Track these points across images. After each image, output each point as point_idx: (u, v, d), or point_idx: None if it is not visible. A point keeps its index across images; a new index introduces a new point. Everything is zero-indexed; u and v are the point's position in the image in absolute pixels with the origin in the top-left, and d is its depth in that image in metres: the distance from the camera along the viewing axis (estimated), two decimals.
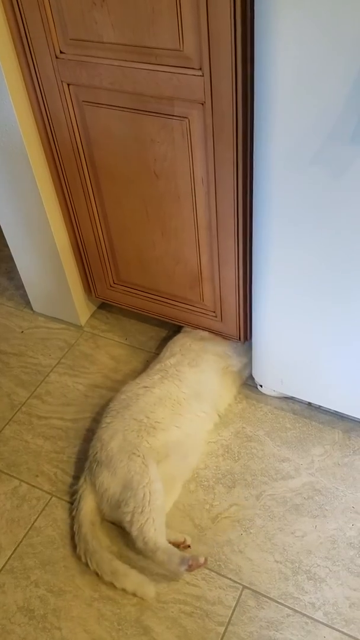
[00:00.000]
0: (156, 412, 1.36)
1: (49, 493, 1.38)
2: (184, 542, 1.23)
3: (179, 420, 1.38)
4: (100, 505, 1.28)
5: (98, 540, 1.24)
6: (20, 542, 1.30)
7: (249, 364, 1.52)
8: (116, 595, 1.20)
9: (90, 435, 1.48)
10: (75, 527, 1.27)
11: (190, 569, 1.16)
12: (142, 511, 1.20)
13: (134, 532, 1.20)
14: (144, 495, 1.21)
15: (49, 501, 1.36)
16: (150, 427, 1.33)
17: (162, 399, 1.39)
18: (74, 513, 1.29)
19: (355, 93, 0.87)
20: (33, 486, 1.39)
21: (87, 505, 1.28)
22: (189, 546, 1.24)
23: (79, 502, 1.29)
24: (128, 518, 1.20)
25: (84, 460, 1.43)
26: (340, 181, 0.98)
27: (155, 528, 1.19)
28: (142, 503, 1.20)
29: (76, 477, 1.40)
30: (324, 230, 1.07)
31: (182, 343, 1.54)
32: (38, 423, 1.53)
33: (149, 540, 1.18)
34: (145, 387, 1.42)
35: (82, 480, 1.32)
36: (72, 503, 1.34)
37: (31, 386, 1.62)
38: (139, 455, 1.26)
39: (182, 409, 1.39)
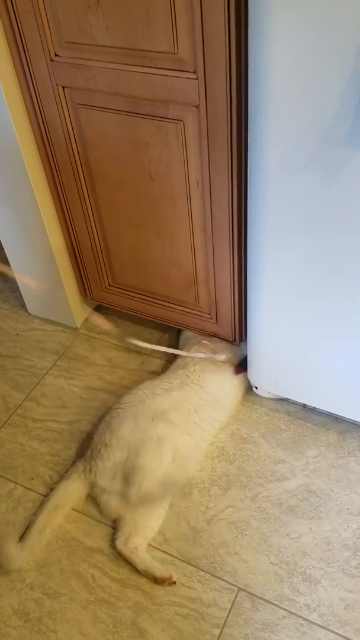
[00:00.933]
0: (170, 414, 1.37)
1: (44, 496, 1.37)
2: (170, 577, 1.20)
3: (192, 428, 1.38)
4: (108, 485, 1.29)
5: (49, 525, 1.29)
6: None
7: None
8: (112, 597, 1.20)
9: (86, 437, 1.48)
10: (47, 498, 1.31)
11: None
12: (151, 477, 1.26)
13: (134, 484, 1.25)
14: (155, 465, 1.27)
15: None
16: (163, 420, 1.35)
17: (179, 404, 1.39)
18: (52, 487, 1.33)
19: (348, 97, 0.87)
20: (28, 489, 1.39)
21: (71, 487, 1.32)
22: (174, 582, 1.20)
23: (65, 479, 1.33)
24: (136, 484, 1.25)
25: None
26: (333, 184, 0.98)
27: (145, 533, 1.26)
28: (151, 470, 1.26)
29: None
30: (318, 233, 1.07)
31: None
32: (33, 426, 1.53)
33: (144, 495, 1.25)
34: (164, 389, 1.43)
35: (78, 464, 1.35)
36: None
37: (26, 389, 1.62)
38: (151, 437, 1.30)
39: (198, 416, 1.40)
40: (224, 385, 1.46)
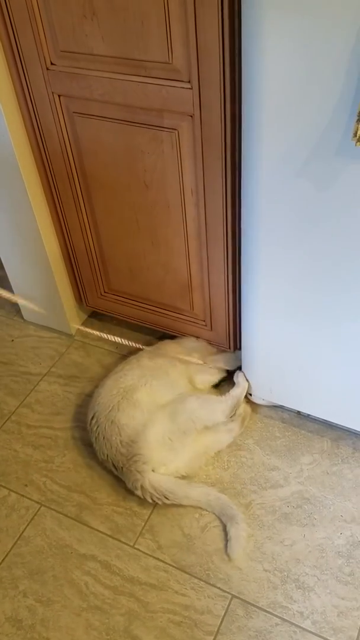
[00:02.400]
0: (126, 380, 1.43)
1: (38, 502, 1.37)
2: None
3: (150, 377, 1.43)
4: (166, 459, 1.31)
5: (212, 489, 1.33)
6: (9, 551, 1.30)
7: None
8: (105, 605, 1.20)
9: (80, 443, 1.48)
10: (188, 502, 1.31)
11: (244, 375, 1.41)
12: (202, 407, 1.36)
13: (215, 419, 1.36)
14: (188, 402, 1.36)
15: (38, 510, 1.36)
16: (128, 390, 1.39)
17: (124, 374, 1.45)
18: (176, 502, 1.30)
19: (340, 108, 0.88)
20: (22, 495, 1.39)
21: (166, 481, 1.30)
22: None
23: (159, 490, 1.29)
24: (203, 419, 1.35)
25: (74, 469, 1.43)
26: (326, 193, 0.99)
27: (217, 400, 1.40)
28: (195, 406, 1.35)
29: (66, 487, 1.40)
30: (311, 241, 1.08)
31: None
32: (27, 432, 1.53)
33: (226, 404, 1.40)
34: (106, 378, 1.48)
35: (134, 476, 1.30)
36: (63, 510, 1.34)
37: (21, 395, 1.62)
38: (138, 399, 1.36)
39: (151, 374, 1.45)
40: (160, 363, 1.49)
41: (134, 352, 1.69)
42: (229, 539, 1.25)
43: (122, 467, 1.32)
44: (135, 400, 1.36)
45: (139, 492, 1.29)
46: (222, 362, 1.53)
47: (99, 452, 1.37)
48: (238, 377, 1.45)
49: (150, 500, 1.30)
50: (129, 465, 1.30)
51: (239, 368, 1.47)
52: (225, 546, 1.25)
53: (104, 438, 1.35)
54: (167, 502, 1.29)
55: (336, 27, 0.82)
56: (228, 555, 1.24)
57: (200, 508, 1.32)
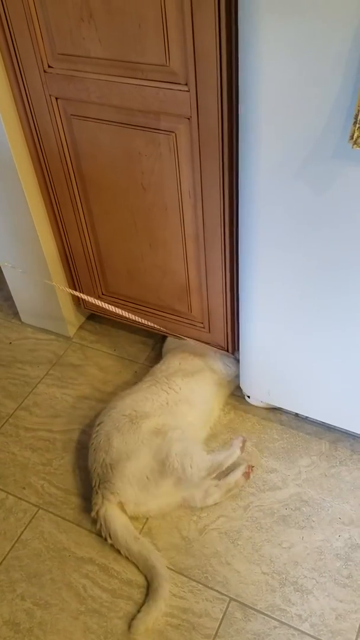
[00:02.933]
0: (144, 407, 1.38)
1: (35, 505, 1.37)
2: (247, 467, 1.36)
3: (171, 410, 1.39)
4: (137, 498, 1.27)
5: (155, 554, 1.23)
6: (7, 554, 1.29)
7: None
8: (103, 608, 1.20)
9: (78, 446, 1.48)
10: (124, 552, 1.25)
11: (242, 444, 1.35)
12: (184, 454, 1.27)
13: (189, 473, 1.26)
14: (175, 443, 1.28)
15: (35, 513, 1.36)
16: (141, 416, 1.34)
17: (148, 398, 1.40)
18: (109, 541, 1.26)
19: (337, 110, 0.88)
20: (20, 498, 1.39)
21: (118, 523, 1.25)
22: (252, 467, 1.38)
23: (107, 526, 1.25)
24: (179, 467, 1.26)
25: (72, 472, 1.43)
26: (323, 195, 0.99)
27: (201, 454, 1.30)
28: (178, 450, 1.27)
29: (64, 490, 1.39)
30: (309, 243, 1.08)
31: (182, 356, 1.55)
32: (25, 435, 1.52)
33: (205, 464, 1.28)
34: (131, 391, 1.44)
35: (97, 499, 1.28)
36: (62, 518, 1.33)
37: (19, 397, 1.62)
38: (141, 430, 1.31)
39: (173, 407, 1.40)
40: (193, 388, 1.45)
41: (133, 354, 1.69)
42: (140, 610, 1.17)
43: (95, 485, 1.31)
44: (138, 428, 1.32)
45: (93, 515, 1.28)
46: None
47: (89, 460, 1.36)
48: (233, 444, 1.35)
49: (97, 528, 1.28)
50: (98, 488, 1.29)
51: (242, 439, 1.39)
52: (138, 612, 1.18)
53: (95, 450, 1.34)
54: (109, 541, 1.25)
55: (333, 30, 0.82)
56: (129, 625, 1.16)
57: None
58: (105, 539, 1.26)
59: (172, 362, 1.53)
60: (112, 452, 1.30)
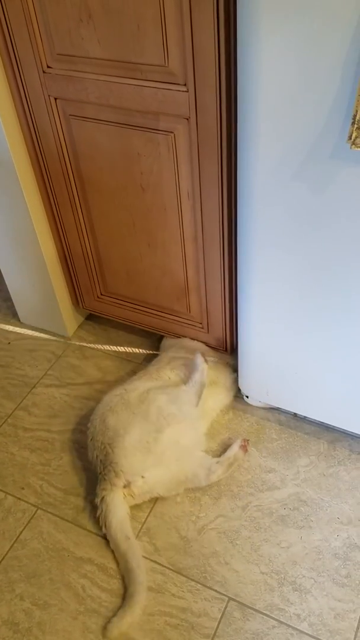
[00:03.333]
0: (133, 384, 1.40)
1: (34, 505, 1.37)
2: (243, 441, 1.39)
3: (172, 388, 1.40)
4: (143, 465, 1.27)
5: (139, 560, 1.22)
6: (6, 554, 1.29)
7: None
8: (102, 608, 1.20)
9: (77, 446, 1.48)
10: (112, 546, 1.26)
11: (244, 444, 1.40)
12: (170, 401, 1.32)
13: (186, 411, 1.32)
14: (158, 398, 1.33)
15: (34, 514, 1.36)
16: (130, 390, 1.37)
17: (137, 384, 1.42)
18: (103, 530, 1.27)
19: (335, 111, 0.89)
20: (19, 499, 1.39)
21: (116, 516, 1.25)
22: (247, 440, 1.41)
23: (105, 515, 1.26)
24: (176, 413, 1.31)
25: (71, 472, 1.43)
26: (321, 196, 1.00)
27: (184, 393, 1.37)
28: (163, 402, 1.31)
29: (62, 490, 1.40)
30: (307, 244, 1.08)
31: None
32: (24, 435, 1.52)
33: (191, 395, 1.36)
34: (132, 380, 1.46)
35: (104, 485, 1.28)
36: (63, 520, 1.33)
37: (17, 398, 1.62)
38: (130, 402, 1.33)
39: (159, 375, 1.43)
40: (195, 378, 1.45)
41: (132, 354, 1.70)
42: (116, 614, 1.16)
43: (100, 472, 1.31)
44: (127, 402, 1.34)
45: (97, 501, 1.28)
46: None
47: (89, 451, 1.36)
48: (196, 360, 1.41)
49: (97, 515, 1.28)
50: (105, 474, 1.29)
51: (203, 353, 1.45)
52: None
53: (92, 439, 1.35)
54: (103, 530, 1.26)
55: (331, 31, 0.82)
56: (104, 627, 1.15)
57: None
58: (101, 528, 1.27)
59: (163, 358, 1.53)
60: (109, 432, 1.31)
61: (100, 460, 1.30)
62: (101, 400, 1.42)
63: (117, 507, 1.26)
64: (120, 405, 1.34)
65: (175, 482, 1.31)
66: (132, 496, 1.28)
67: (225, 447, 1.42)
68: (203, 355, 1.42)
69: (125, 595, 1.20)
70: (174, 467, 1.30)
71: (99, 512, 1.28)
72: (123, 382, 1.47)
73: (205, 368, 1.40)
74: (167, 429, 1.29)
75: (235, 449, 1.38)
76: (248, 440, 1.41)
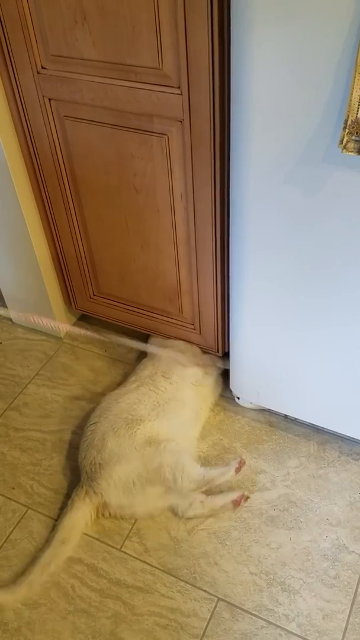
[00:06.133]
0: (138, 409, 1.37)
1: (25, 506, 1.37)
2: (241, 460, 1.36)
3: (164, 413, 1.38)
4: (120, 501, 1.28)
5: (49, 563, 1.24)
6: None
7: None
8: (91, 608, 1.20)
9: (68, 447, 1.48)
10: (50, 537, 1.27)
11: (239, 465, 1.34)
12: (176, 465, 1.27)
13: (180, 484, 1.27)
14: (168, 454, 1.28)
15: (24, 514, 1.36)
16: (137, 421, 1.34)
17: (141, 401, 1.40)
18: (58, 520, 1.29)
19: (328, 115, 0.90)
20: (9, 498, 1.39)
21: (71, 521, 1.27)
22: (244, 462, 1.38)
23: (66, 514, 1.28)
24: (170, 477, 1.27)
25: (61, 472, 1.43)
26: (312, 200, 1.01)
27: (193, 466, 1.30)
28: (171, 461, 1.27)
29: (53, 490, 1.40)
30: (299, 246, 1.09)
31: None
32: (15, 435, 1.52)
33: (196, 477, 1.28)
34: (122, 393, 1.43)
35: (80, 492, 1.30)
36: (54, 518, 1.34)
37: (9, 398, 1.61)
38: (136, 436, 1.31)
39: (166, 406, 1.40)
40: (179, 386, 1.45)
41: (124, 355, 1.70)
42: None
43: (82, 480, 1.32)
44: (133, 434, 1.32)
45: (69, 501, 1.31)
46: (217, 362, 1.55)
47: (80, 455, 1.36)
48: (230, 463, 1.35)
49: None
50: (86, 484, 1.30)
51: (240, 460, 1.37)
52: None
53: (87, 447, 1.34)
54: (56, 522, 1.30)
55: (324, 35, 0.83)
56: None
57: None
58: (55, 519, 1.31)
59: (154, 363, 1.53)
60: (105, 452, 1.30)
61: (86, 472, 1.31)
62: (100, 408, 1.42)
63: (79, 515, 1.28)
64: (124, 431, 1.32)
65: (155, 510, 1.33)
66: (107, 512, 1.30)
67: (216, 449, 1.43)
68: (241, 464, 1.35)
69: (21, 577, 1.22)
70: (156, 500, 1.31)
71: (66, 507, 1.30)
72: (119, 391, 1.45)
73: (229, 476, 1.33)
74: (156, 486, 1.28)
75: (226, 501, 1.32)
76: (248, 497, 1.34)
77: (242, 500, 1.33)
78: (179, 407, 1.41)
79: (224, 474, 1.32)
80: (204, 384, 1.51)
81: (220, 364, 1.56)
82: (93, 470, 1.29)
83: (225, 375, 1.55)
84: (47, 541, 1.27)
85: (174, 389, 1.44)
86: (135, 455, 1.29)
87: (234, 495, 1.33)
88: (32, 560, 1.25)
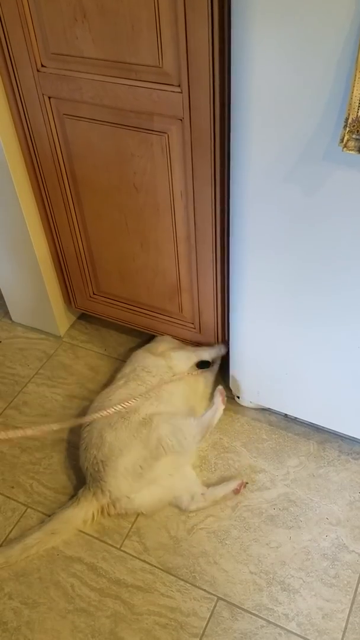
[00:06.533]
0: (140, 409, 1.36)
1: (24, 504, 1.37)
2: (241, 483, 1.35)
3: (157, 400, 1.38)
4: (131, 488, 1.28)
5: (31, 544, 1.26)
6: None
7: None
8: (90, 607, 1.20)
9: (68, 446, 1.48)
10: (48, 520, 1.29)
11: (223, 397, 1.33)
12: (173, 431, 1.28)
13: (186, 445, 1.29)
14: (162, 426, 1.29)
15: (24, 512, 1.35)
16: (131, 412, 1.34)
17: (132, 394, 1.39)
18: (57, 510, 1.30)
19: (328, 113, 0.89)
20: (8, 497, 1.39)
21: (72, 514, 1.28)
22: (246, 483, 1.37)
23: (68, 507, 1.29)
24: (174, 443, 1.28)
25: (61, 471, 1.43)
26: (313, 198, 1.01)
27: (188, 424, 1.31)
28: (167, 431, 1.28)
29: (52, 489, 1.39)
30: (300, 244, 1.09)
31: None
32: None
33: (196, 429, 1.31)
34: (112, 390, 1.43)
35: (87, 494, 1.30)
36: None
37: (8, 397, 1.61)
38: (132, 423, 1.30)
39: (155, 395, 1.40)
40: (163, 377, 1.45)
41: (123, 354, 1.70)
42: None
43: (87, 483, 1.31)
44: (129, 423, 1.31)
45: (75, 497, 1.31)
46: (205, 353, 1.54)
47: (80, 459, 1.36)
48: (215, 400, 1.35)
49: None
50: (91, 486, 1.30)
51: (223, 385, 1.40)
52: None
53: (85, 448, 1.34)
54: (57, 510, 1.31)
55: (325, 34, 0.83)
56: None
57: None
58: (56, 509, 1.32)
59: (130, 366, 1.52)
60: (104, 448, 1.29)
61: (90, 474, 1.30)
62: (92, 407, 1.41)
63: (80, 513, 1.28)
64: (121, 424, 1.32)
65: (160, 504, 1.32)
66: (113, 509, 1.30)
67: (216, 448, 1.43)
68: (223, 394, 1.35)
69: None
70: (162, 490, 1.31)
71: (69, 502, 1.31)
72: (109, 389, 1.45)
73: (221, 411, 1.34)
74: (163, 458, 1.28)
75: (227, 490, 1.33)
76: (247, 483, 1.36)
77: (242, 487, 1.35)
78: (169, 396, 1.41)
79: (216, 412, 1.33)
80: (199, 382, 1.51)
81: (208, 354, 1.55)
82: (96, 469, 1.29)
83: (224, 375, 1.55)
84: (39, 526, 1.28)
85: (157, 380, 1.44)
86: (134, 442, 1.29)
87: (233, 485, 1.34)
88: (20, 536, 1.28)
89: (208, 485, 1.35)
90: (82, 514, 1.28)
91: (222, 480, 1.38)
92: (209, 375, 1.54)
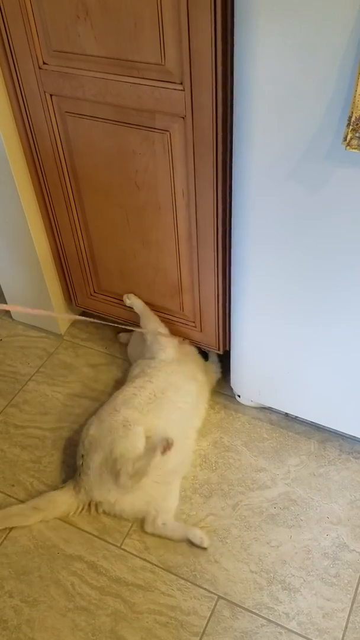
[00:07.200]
0: (133, 400, 1.36)
1: (24, 503, 1.37)
2: (202, 543, 1.26)
3: (158, 409, 1.36)
4: (107, 496, 1.27)
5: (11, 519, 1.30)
6: None
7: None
8: (91, 605, 1.20)
9: (68, 444, 1.48)
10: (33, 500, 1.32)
11: (165, 449, 1.21)
12: (122, 457, 1.23)
13: (121, 471, 1.22)
14: (120, 442, 1.25)
15: None
16: (126, 406, 1.34)
17: (138, 392, 1.38)
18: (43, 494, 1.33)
19: (331, 112, 0.89)
20: (9, 496, 1.38)
21: (59, 497, 1.31)
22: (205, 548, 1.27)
23: (51, 492, 1.32)
24: (121, 472, 1.22)
25: (61, 470, 1.43)
26: (315, 197, 1.00)
27: (126, 461, 1.23)
28: (118, 452, 1.24)
29: (53, 487, 1.39)
30: (302, 243, 1.09)
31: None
32: (15, 432, 1.52)
33: (129, 470, 1.22)
34: (121, 390, 1.42)
35: (70, 482, 1.32)
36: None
37: (9, 395, 1.61)
38: (117, 427, 1.29)
39: (162, 398, 1.38)
40: (173, 377, 1.43)
41: (124, 352, 1.70)
42: None
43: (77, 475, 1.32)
44: (116, 415, 1.31)
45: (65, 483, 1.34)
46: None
47: (78, 456, 1.36)
48: (156, 444, 1.23)
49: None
50: (75, 480, 1.32)
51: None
52: None
53: (79, 442, 1.35)
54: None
55: (328, 32, 0.82)
56: None
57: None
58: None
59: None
60: (87, 440, 1.30)
61: (77, 468, 1.32)
62: (101, 406, 1.41)
63: (63, 498, 1.30)
64: (107, 416, 1.33)
65: (142, 511, 1.30)
66: (102, 509, 1.30)
67: (217, 447, 1.43)
68: (164, 445, 1.22)
69: None
70: (141, 497, 1.28)
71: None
72: (120, 390, 1.43)
73: (157, 459, 1.22)
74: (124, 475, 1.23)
75: (153, 457, 1.22)
76: (172, 443, 1.23)
77: (169, 448, 1.22)
78: (174, 394, 1.39)
79: (148, 460, 1.22)
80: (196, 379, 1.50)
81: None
82: (79, 464, 1.30)
83: (225, 374, 1.55)
84: (25, 502, 1.32)
85: (163, 375, 1.42)
86: (107, 440, 1.27)
87: (194, 531, 1.27)
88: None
89: (185, 515, 1.32)
90: (65, 498, 1.30)
91: (222, 480, 1.38)
92: (212, 367, 1.55)
